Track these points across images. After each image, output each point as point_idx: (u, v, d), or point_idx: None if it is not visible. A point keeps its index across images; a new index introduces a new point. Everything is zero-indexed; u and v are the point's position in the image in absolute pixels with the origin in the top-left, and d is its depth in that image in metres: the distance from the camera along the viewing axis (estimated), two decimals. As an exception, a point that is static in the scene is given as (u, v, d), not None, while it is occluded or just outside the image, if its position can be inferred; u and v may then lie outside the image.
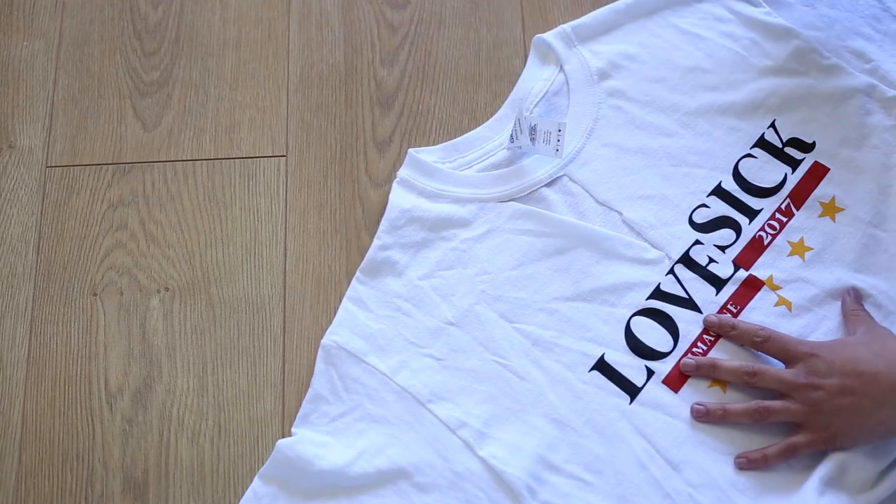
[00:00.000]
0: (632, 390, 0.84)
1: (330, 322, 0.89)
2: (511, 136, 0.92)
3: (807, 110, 0.94)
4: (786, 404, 0.80)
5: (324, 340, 0.86)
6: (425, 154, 0.94)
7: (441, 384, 0.84)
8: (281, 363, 0.88)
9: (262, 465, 0.84)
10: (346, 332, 0.86)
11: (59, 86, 1.00)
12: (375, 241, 0.90)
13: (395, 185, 0.92)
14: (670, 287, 0.87)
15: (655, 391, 0.84)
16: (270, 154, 0.97)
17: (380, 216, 0.92)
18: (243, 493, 0.83)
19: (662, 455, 0.81)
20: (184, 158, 0.96)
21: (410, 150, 0.93)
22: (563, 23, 0.97)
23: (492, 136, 0.95)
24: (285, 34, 1.02)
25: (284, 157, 0.96)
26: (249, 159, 0.96)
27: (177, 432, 0.86)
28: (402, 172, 0.93)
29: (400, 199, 0.91)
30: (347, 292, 0.88)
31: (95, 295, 0.91)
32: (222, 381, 0.88)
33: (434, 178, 0.92)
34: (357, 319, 0.87)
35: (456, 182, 0.92)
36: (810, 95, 0.94)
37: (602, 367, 0.85)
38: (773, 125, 0.93)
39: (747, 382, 0.82)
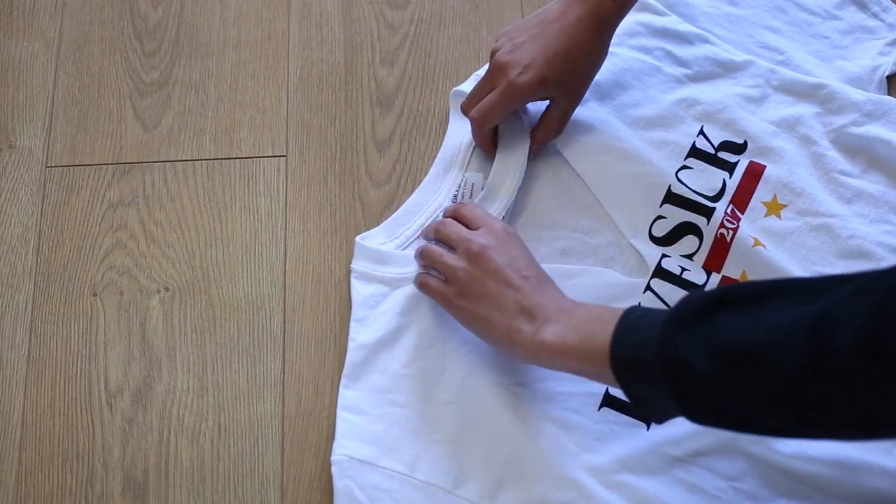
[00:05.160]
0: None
1: (329, 322, 0.89)
2: (454, 197, 0.91)
3: (731, 111, 0.93)
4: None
5: (333, 457, 0.81)
6: (371, 239, 0.90)
7: (461, 466, 0.81)
8: (281, 363, 0.88)
9: (262, 465, 0.84)
10: (351, 443, 0.82)
11: (59, 86, 1.00)
12: (350, 343, 0.86)
13: (353, 280, 0.89)
14: (651, 304, 0.86)
15: None
16: (270, 154, 0.97)
17: (380, 216, 0.92)
18: (243, 493, 0.83)
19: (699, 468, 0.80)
20: (184, 158, 0.96)
21: (357, 240, 0.90)
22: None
23: (429, 200, 0.92)
24: (285, 34, 1.02)
25: (284, 157, 0.96)
26: (249, 159, 0.96)
27: (177, 432, 0.86)
28: (357, 265, 0.89)
29: (362, 294, 0.88)
30: (339, 402, 0.84)
31: (95, 295, 0.91)
32: (222, 381, 0.88)
33: (389, 264, 0.88)
34: (358, 427, 0.82)
35: (411, 261, 0.88)
36: (731, 96, 0.94)
37: (610, 401, 0.83)
38: (702, 132, 0.92)
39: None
